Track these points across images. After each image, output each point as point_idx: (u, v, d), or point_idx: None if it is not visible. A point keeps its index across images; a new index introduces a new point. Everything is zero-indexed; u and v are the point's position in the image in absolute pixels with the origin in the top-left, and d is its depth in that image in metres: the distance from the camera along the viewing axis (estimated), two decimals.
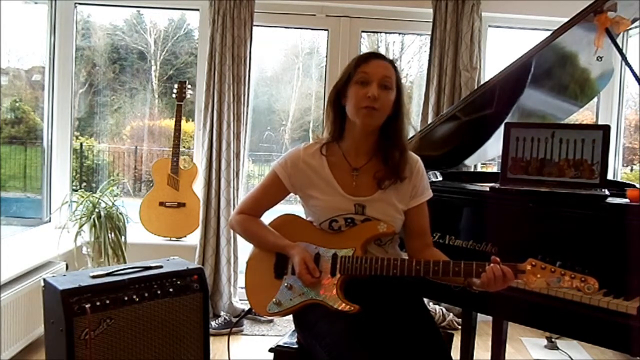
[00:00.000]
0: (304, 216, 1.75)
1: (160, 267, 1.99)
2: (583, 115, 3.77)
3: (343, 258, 1.58)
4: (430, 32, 3.34)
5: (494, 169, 3.54)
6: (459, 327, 2.97)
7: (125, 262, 2.96)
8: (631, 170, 3.94)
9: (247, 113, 3.38)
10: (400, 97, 1.63)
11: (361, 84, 1.58)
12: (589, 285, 1.36)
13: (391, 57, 1.67)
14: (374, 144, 1.68)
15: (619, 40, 2.11)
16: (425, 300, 1.85)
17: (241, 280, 3.28)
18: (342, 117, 1.66)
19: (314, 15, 3.56)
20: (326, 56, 3.61)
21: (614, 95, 3.59)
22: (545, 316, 1.71)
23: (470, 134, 2.55)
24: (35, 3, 3.56)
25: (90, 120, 4.22)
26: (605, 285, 1.57)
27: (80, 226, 2.99)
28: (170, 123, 3.67)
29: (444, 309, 3.35)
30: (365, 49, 3.80)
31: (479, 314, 2.28)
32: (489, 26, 3.53)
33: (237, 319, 3.12)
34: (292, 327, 1.74)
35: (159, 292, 1.90)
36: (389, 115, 1.62)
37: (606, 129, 1.93)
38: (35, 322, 2.61)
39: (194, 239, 3.42)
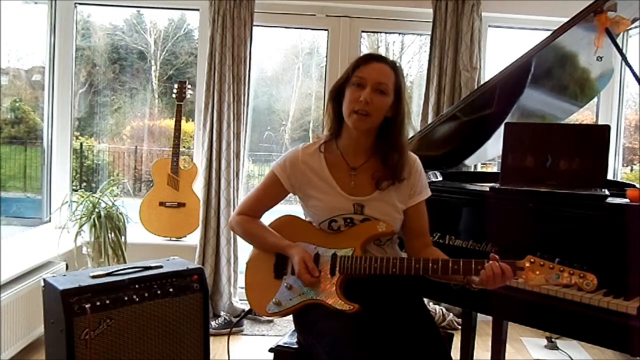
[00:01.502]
0: (303, 216, 1.76)
1: (160, 267, 1.99)
2: (583, 115, 3.77)
3: (342, 258, 1.58)
4: (430, 32, 3.33)
5: (494, 169, 3.54)
6: (459, 327, 2.97)
7: (125, 262, 2.96)
8: (631, 170, 3.94)
9: (247, 113, 3.38)
10: (400, 100, 1.62)
11: (357, 86, 1.58)
12: (588, 281, 1.36)
13: (391, 57, 1.66)
14: (372, 144, 1.68)
15: (619, 40, 2.11)
16: (425, 300, 1.84)
17: (241, 280, 3.28)
18: (341, 115, 1.65)
19: (314, 15, 3.56)
20: (326, 56, 3.61)
21: (614, 95, 3.58)
22: (545, 316, 1.71)
23: (470, 134, 2.55)
24: (35, 3, 3.56)
25: (90, 120, 4.22)
26: (605, 285, 1.57)
27: (80, 226, 2.99)
28: (170, 123, 3.67)
29: (444, 309, 3.35)
30: (365, 49, 3.80)
31: (479, 314, 2.28)
32: (489, 26, 3.52)
33: (237, 319, 3.12)
34: (292, 327, 1.74)
35: (159, 292, 1.90)
36: (388, 117, 1.62)
37: (606, 129, 1.93)
38: (35, 322, 2.61)
39: (194, 239, 3.42)
